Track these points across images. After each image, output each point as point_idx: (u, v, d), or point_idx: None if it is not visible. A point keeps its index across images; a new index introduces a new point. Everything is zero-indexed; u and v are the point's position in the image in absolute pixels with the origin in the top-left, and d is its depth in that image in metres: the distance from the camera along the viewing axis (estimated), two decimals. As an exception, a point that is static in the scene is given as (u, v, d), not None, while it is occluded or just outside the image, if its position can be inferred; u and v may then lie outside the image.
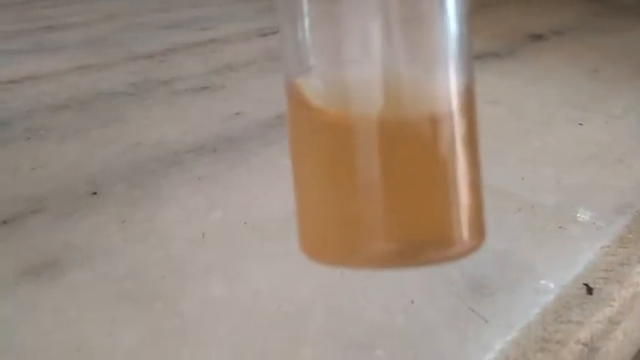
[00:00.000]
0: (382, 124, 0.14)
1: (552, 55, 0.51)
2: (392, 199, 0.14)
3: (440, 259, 0.15)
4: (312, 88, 0.15)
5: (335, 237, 0.15)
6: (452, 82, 0.14)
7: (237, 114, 0.38)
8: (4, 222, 0.26)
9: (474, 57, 0.15)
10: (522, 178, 0.29)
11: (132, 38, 0.55)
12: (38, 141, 0.34)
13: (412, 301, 0.21)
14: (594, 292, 0.22)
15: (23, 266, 0.23)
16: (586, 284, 0.22)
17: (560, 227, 0.25)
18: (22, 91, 0.41)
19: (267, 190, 0.28)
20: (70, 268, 0.22)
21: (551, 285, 0.22)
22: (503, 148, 0.33)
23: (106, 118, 0.37)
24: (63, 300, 0.21)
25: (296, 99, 0.15)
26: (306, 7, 0.14)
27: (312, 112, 0.15)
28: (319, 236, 0.15)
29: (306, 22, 0.14)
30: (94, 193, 0.28)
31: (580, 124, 0.36)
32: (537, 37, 0.56)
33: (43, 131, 0.35)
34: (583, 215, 0.26)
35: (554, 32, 0.58)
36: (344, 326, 0.20)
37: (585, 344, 0.20)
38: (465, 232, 0.14)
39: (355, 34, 0.14)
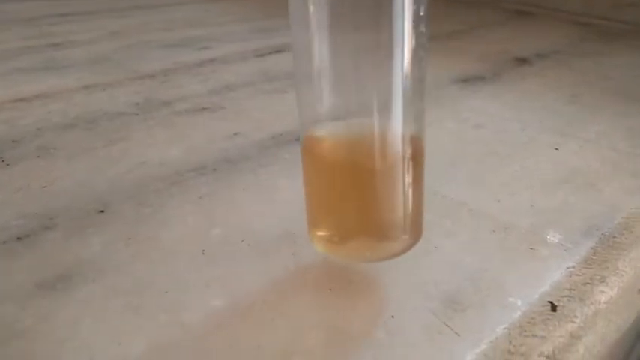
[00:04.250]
0: (357, 168, 0.22)
1: (535, 79, 0.54)
2: (367, 213, 0.22)
3: (392, 252, 0.23)
4: (319, 140, 0.23)
5: (331, 234, 0.24)
6: (405, 135, 0.21)
7: (235, 134, 0.40)
8: (19, 238, 0.28)
9: (421, 105, 0.22)
10: (499, 201, 0.32)
11: (135, 57, 0.57)
12: (48, 159, 0.36)
13: (393, 316, 0.23)
14: (558, 309, 0.24)
15: (38, 280, 0.25)
16: (550, 302, 0.24)
17: (531, 248, 0.28)
18: (32, 110, 0.43)
19: (263, 209, 0.30)
20: (82, 281, 0.25)
21: (519, 302, 0.24)
22: (484, 172, 0.35)
23: (111, 137, 0.39)
24: (76, 311, 0.23)
25: (309, 148, 0.23)
26: (315, 88, 0.21)
27: (317, 157, 0.23)
28: (322, 233, 0.24)
29: (317, 92, 0.21)
30: (102, 212, 0.30)
31: (556, 149, 0.39)
32: (522, 61, 0.59)
33: (52, 149, 0.37)
34: (553, 237, 0.29)
35: (539, 56, 0.61)
36: (332, 338, 0.22)
37: (548, 357, 0.22)
38: (407, 233, 0.23)
39: (344, 103, 0.21)
